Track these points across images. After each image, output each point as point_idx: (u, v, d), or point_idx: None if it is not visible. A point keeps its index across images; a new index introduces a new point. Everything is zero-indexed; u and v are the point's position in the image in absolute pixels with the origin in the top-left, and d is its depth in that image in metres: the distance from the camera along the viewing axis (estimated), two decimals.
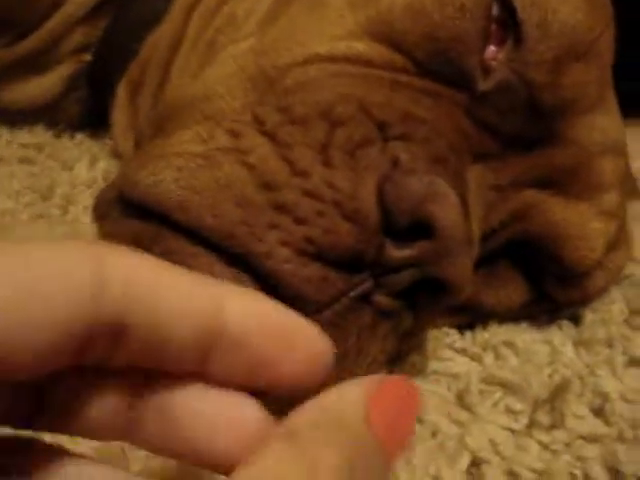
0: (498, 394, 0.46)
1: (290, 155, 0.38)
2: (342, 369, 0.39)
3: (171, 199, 0.37)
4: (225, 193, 0.36)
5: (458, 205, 0.38)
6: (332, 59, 0.44)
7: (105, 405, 0.25)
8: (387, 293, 0.38)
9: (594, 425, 0.44)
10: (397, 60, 0.45)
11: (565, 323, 0.54)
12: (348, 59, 0.44)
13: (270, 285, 0.36)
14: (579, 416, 0.44)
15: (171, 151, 0.40)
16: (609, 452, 0.42)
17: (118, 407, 0.26)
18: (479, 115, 0.45)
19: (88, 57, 0.73)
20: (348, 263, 0.37)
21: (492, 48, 0.45)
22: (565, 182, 0.49)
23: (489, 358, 0.49)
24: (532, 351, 0.50)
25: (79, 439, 0.26)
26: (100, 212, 0.44)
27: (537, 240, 0.49)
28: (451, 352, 0.50)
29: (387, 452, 0.23)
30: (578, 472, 0.41)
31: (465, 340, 0.51)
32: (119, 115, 0.68)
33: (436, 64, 0.44)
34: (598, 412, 0.45)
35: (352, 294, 0.37)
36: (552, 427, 0.44)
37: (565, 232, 0.49)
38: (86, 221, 0.56)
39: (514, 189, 0.47)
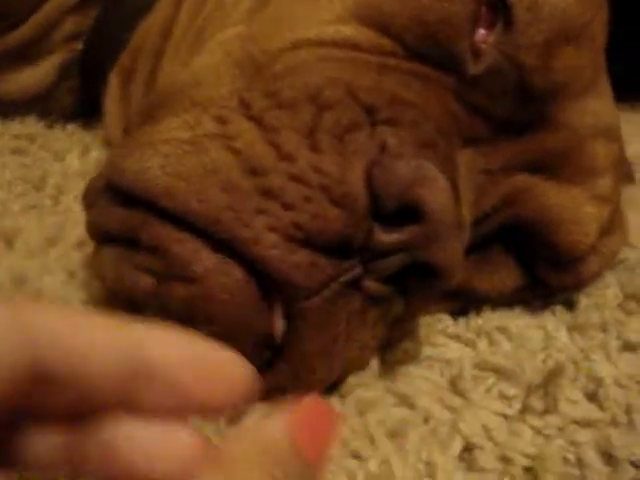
0: (491, 380, 0.46)
1: (277, 139, 0.37)
2: (332, 355, 0.39)
3: (157, 186, 0.37)
4: (211, 179, 0.36)
5: (447, 189, 0.37)
6: (320, 44, 0.44)
7: (47, 440, 0.27)
8: (377, 279, 0.38)
9: (588, 410, 0.44)
10: (386, 44, 0.44)
11: (559, 308, 0.54)
12: (336, 43, 0.44)
13: (257, 271, 0.36)
14: (573, 401, 0.44)
15: (158, 138, 0.40)
16: (603, 437, 0.42)
17: (60, 441, 0.27)
18: (469, 99, 0.45)
19: (80, 46, 0.72)
20: (337, 249, 0.37)
21: (482, 31, 0.44)
22: (557, 166, 0.48)
23: (482, 344, 0.49)
24: (526, 336, 0.50)
25: None
26: (89, 201, 0.44)
27: (530, 225, 0.48)
28: (444, 338, 0.49)
29: (313, 465, 0.26)
30: (571, 457, 0.41)
31: (458, 326, 0.51)
32: (111, 104, 0.68)
33: (425, 48, 0.44)
34: (592, 397, 0.45)
35: (341, 280, 0.37)
36: (545, 412, 0.44)
37: (558, 217, 0.48)
38: (77, 210, 0.55)
39: (505, 173, 0.47)
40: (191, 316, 0.36)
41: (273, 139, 0.37)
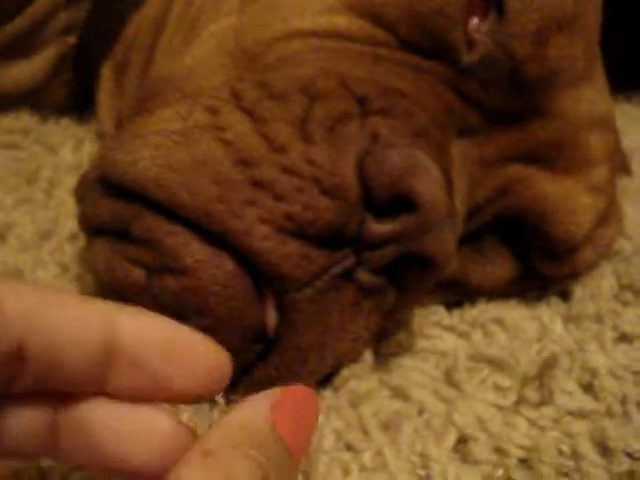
0: (486, 371, 0.46)
1: (268, 131, 0.37)
2: (325, 347, 0.39)
3: (147, 177, 0.36)
4: (202, 170, 0.36)
5: (439, 179, 0.37)
6: (313, 34, 0.44)
7: (26, 423, 0.27)
8: (369, 270, 0.38)
9: (583, 401, 0.44)
10: (379, 34, 0.44)
11: (554, 299, 0.54)
12: (329, 34, 0.44)
13: (249, 263, 0.36)
14: (568, 392, 0.44)
15: (150, 129, 0.39)
16: (598, 428, 0.41)
17: (38, 425, 0.27)
18: (463, 89, 0.44)
19: (73, 40, 0.72)
20: (329, 240, 0.36)
21: (475, 21, 0.44)
22: (552, 157, 0.48)
23: (477, 335, 0.49)
24: (520, 328, 0.50)
25: None
26: (81, 193, 0.43)
27: (524, 216, 0.48)
28: (439, 330, 0.49)
29: (294, 453, 0.26)
30: (566, 448, 0.41)
31: (453, 317, 0.51)
32: (104, 97, 0.67)
33: (418, 38, 0.44)
34: (587, 388, 0.45)
35: (333, 271, 0.37)
36: (540, 403, 0.43)
37: (552, 207, 0.48)
38: (70, 204, 0.55)
39: (500, 164, 0.46)
40: (182, 308, 0.36)
41: (264, 130, 0.37)
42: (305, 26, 0.44)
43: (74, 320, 0.26)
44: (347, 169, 0.36)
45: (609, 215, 0.53)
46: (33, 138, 0.70)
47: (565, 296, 0.54)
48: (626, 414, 0.43)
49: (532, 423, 0.42)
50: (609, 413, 0.43)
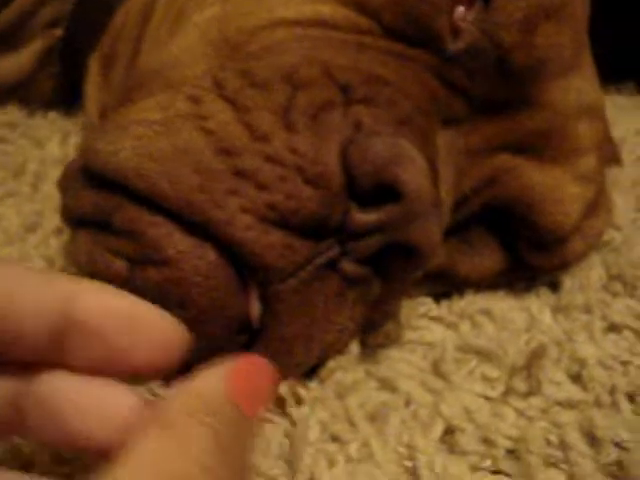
0: (474, 362, 0.45)
1: (250, 120, 0.37)
2: (311, 338, 0.39)
3: (128, 167, 0.36)
4: (183, 160, 0.36)
5: (424, 168, 0.37)
6: (297, 23, 0.43)
7: None
8: (354, 260, 0.38)
9: (571, 391, 0.43)
10: (363, 22, 0.44)
11: (543, 290, 0.54)
12: (313, 22, 0.43)
13: (232, 254, 0.35)
14: (556, 382, 0.44)
15: (132, 119, 0.39)
16: (586, 418, 0.41)
17: (3, 401, 0.28)
18: (449, 77, 0.44)
19: (60, 32, 0.72)
20: (313, 229, 0.36)
21: (461, 9, 0.44)
22: (539, 146, 0.48)
23: (465, 326, 0.49)
24: (509, 318, 0.50)
25: None
26: (65, 185, 0.43)
27: (511, 206, 0.48)
28: (426, 321, 0.49)
29: (248, 419, 0.27)
30: (554, 438, 0.40)
31: (441, 309, 0.51)
32: (91, 90, 0.67)
33: (403, 25, 0.43)
34: (575, 378, 0.45)
35: (318, 261, 0.37)
36: (528, 394, 0.43)
37: (540, 197, 0.48)
38: (56, 198, 0.55)
39: (486, 154, 0.46)
40: (165, 300, 0.35)
41: (247, 119, 0.37)
42: (289, 15, 0.44)
43: (35, 292, 0.27)
44: (330, 157, 0.36)
45: (598, 205, 0.52)
46: (20, 132, 0.70)
47: (554, 287, 0.54)
48: (615, 404, 0.43)
49: (520, 413, 0.42)
50: (597, 403, 0.43)
